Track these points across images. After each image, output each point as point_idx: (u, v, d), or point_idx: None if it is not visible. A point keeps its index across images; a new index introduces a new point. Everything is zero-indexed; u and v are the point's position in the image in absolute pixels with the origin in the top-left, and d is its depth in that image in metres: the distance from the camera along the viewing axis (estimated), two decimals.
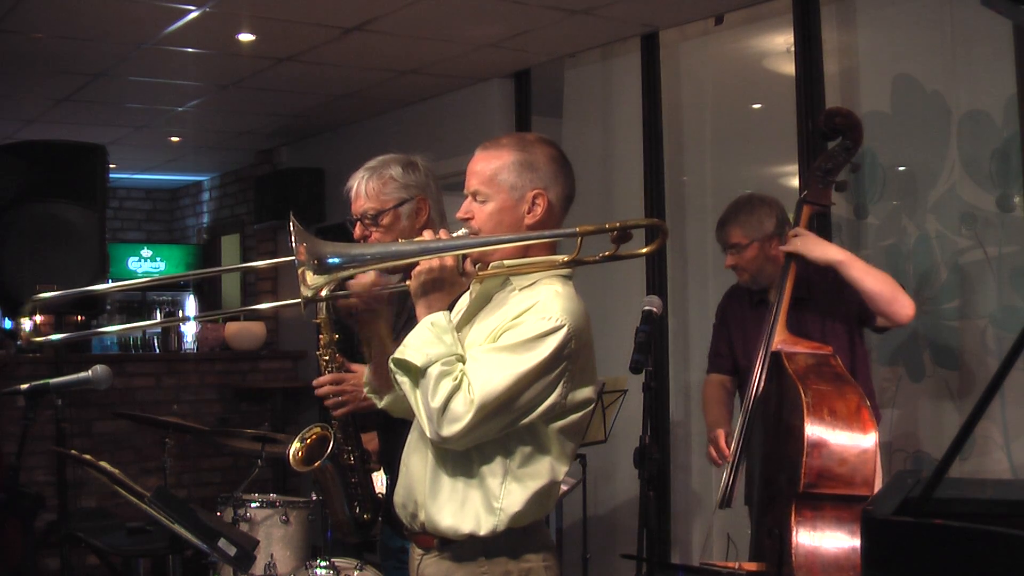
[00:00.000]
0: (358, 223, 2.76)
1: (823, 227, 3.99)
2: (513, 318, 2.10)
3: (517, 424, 2.08)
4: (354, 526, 2.90)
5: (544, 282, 2.18)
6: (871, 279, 3.05)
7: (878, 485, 3.06)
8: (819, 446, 2.71)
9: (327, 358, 2.78)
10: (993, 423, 3.59)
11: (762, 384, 3.06)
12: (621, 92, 5.08)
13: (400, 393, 2.18)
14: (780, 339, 3.02)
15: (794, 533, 2.68)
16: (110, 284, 2.85)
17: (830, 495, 2.70)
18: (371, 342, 2.39)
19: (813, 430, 2.71)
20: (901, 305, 3.05)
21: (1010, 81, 3.61)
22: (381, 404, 2.43)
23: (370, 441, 2.98)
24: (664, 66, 4.85)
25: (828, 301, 3.21)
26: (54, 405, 4.91)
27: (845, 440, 2.72)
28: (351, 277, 2.25)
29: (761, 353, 3.07)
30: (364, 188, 2.74)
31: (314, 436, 2.96)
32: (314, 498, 3.69)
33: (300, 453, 2.95)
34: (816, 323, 3.23)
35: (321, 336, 2.77)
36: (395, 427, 2.68)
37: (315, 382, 2.77)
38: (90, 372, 2.96)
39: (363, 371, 2.72)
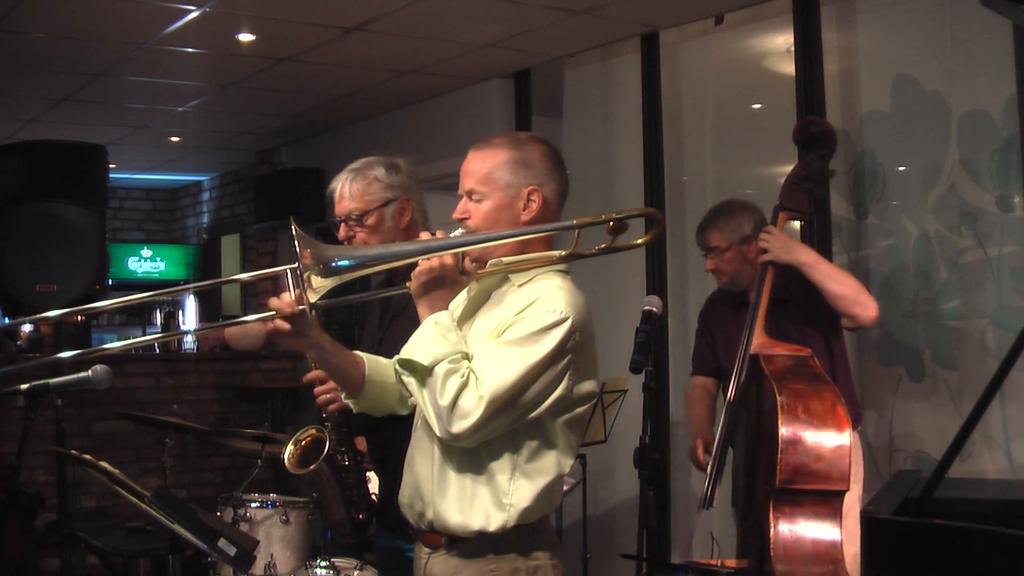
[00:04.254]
0: (342, 224, 2.75)
1: (822, 229, 3.99)
2: (516, 313, 2.11)
3: (526, 418, 2.09)
4: (350, 526, 2.90)
5: (543, 277, 2.18)
6: (834, 281, 3.10)
7: (858, 480, 3.09)
8: (794, 443, 2.74)
9: None
10: (993, 423, 3.60)
11: (740, 386, 3.07)
12: (621, 92, 5.08)
13: (368, 391, 2.28)
14: (758, 342, 3.03)
15: (773, 528, 2.71)
16: (111, 301, 2.85)
17: (808, 490, 2.72)
18: (318, 354, 2.32)
19: (787, 428, 2.75)
20: (863, 307, 3.09)
21: (1010, 81, 3.61)
22: (356, 408, 2.40)
23: (362, 443, 2.98)
24: (664, 66, 4.85)
25: (807, 302, 3.24)
26: (54, 405, 4.91)
27: (821, 437, 2.75)
28: (360, 277, 2.23)
29: (739, 356, 3.08)
30: (348, 189, 2.74)
31: (309, 439, 2.96)
32: (315, 498, 3.70)
33: (295, 456, 2.95)
34: (795, 324, 3.26)
35: None
36: (381, 429, 2.68)
37: (306, 377, 2.75)
38: (90, 372, 2.95)
39: None
